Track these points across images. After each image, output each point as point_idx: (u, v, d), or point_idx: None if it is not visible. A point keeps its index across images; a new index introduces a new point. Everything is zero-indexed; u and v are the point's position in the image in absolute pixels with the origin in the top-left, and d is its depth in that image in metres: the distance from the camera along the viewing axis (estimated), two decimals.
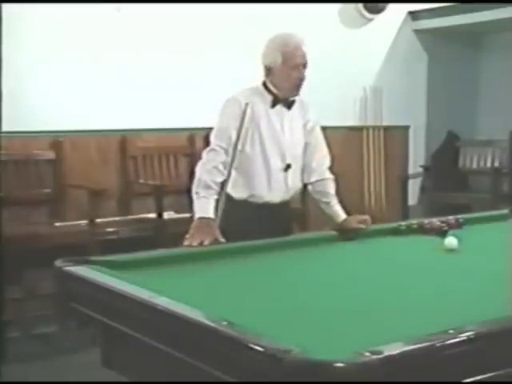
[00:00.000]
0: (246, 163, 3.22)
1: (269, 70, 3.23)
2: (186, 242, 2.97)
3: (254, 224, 3.17)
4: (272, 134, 3.23)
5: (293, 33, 3.26)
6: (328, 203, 3.32)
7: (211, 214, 3.08)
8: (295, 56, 3.18)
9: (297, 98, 3.31)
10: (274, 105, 3.25)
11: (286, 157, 3.25)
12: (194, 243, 2.93)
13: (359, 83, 6.42)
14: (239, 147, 3.18)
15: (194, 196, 3.14)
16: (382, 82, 6.55)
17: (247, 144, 3.20)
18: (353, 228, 3.20)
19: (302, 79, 3.22)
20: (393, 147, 6.67)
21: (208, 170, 3.15)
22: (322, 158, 3.38)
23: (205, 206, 3.09)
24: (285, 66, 3.18)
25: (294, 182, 3.30)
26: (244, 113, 3.16)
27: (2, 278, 3.96)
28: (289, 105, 3.27)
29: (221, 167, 3.16)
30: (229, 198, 3.22)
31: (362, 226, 3.22)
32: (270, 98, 3.24)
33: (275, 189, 3.24)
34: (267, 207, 3.25)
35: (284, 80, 3.21)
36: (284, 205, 3.33)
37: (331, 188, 3.36)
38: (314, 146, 3.36)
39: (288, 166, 3.24)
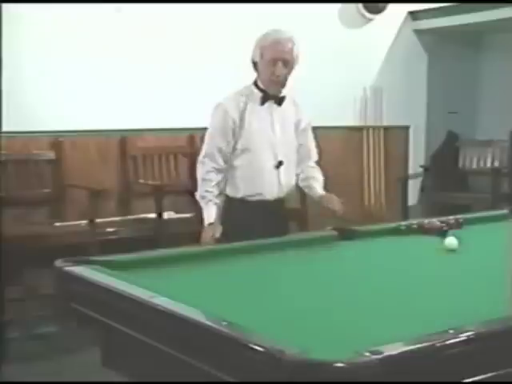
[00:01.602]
0: (238, 162, 3.25)
1: (254, 66, 3.27)
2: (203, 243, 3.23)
3: (250, 222, 3.21)
4: (262, 132, 3.26)
5: (279, 29, 3.26)
6: (307, 183, 3.42)
7: (211, 220, 3.28)
8: (272, 51, 3.18)
9: (288, 96, 3.32)
10: (263, 102, 3.26)
11: (278, 154, 3.27)
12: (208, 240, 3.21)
13: (359, 83, 6.43)
14: (231, 148, 3.25)
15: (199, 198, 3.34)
16: (382, 82, 6.55)
17: (238, 143, 3.23)
18: (327, 207, 3.27)
19: (279, 76, 3.20)
20: (393, 147, 6.67)
21: (199, 183, 3.32)
22: (307, 155, 3.45)
23: (205, 214, 3.30)
24: (263, 61, 3.21)
25: (287, 178, 3.32)
26: (242, 112, 3.21)
27: (2, 278, 3.96)
28: (279, 101, 3.28)
29: (210, 175, 3.28)
30: (226, 197, 3.31)
31: (335, 207, 3.24)
32: (259, 95, 3.26)
33: (268, 186, 3.27)
34: (262, 205, 3.27)
35: (264, 75, 3.24)
36: (279, 202, 3.35)
37: (311, 172, 3.43)
38: (303, 147, 3.43)
39: (280, 163, 3.26)
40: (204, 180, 3.29)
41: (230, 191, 3.30)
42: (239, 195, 3.28)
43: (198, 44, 5.44)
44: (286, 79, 3.24)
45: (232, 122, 3.22)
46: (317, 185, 3.40)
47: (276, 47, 3.18)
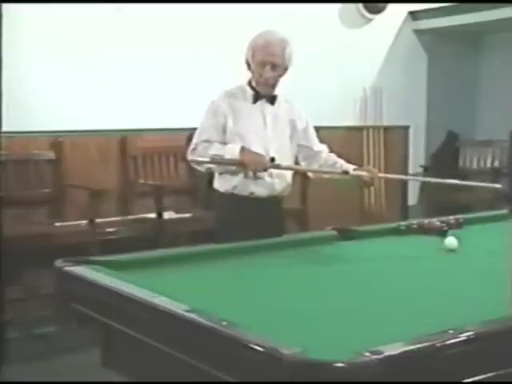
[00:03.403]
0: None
1: (248, 65, 3.30)
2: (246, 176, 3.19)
3: (242, 218, 3.23)
4: (254, 129, 3.28)
5: (272, 30, 3.28)
6: (331, 164, 3.42)
7: (238, 147, 3.17)
8: (261, 53, 3.21)
9: (280, 95, 3.35)
10: (255, 100, 3.30)
11: (270, 150, 3.28)
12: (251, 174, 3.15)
13: (359, 83, 6.43)
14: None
15: (214, 155, 3.18)
16: (381, 82, 6.55)
17: (230, 139, 3.25)
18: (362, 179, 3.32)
19: (268, 79, 3.23)
20: (393, 147, 6.67)
21: (203, 152, 3.22)
22: (313, 154, 3.46)
23: (229, 149, 3.17)
24: (253, 62, 3.24)
25: (280, 175, 3.32)
26: (234, 108, 3.25)
27: (2, 278, 3.96)
28: (271, 100, 3.31)
29: (208, 144, 3.22)
30: (216, 193, 3.32)
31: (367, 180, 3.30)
32: (251, 93, 3.29)
33: (261, 182, 3.26)
34: (256, 201, 3.27)
35: (254, 76, 3.28)
36: (274, 200, 3.35)
37: (327, 158, 3.46)
38: (306, 148, 3.44)
39: (272, 159, 3.27)
40: (205, 149, 3.21)
41: (220, 185, 3.32)
42: (230, 189, 3.29)
43: (198, 44, 5.44)
44: (275, 81, 3.29)
45: (223, 119, 3.25)
46: (344, 163, 3.42)
47: (265, 50, 3.21)
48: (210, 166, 3.25)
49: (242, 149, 3.17)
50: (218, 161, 3.21)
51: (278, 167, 3.23)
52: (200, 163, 3.28)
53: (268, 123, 3.31)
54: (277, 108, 3.33)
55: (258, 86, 3.28)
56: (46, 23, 4.87)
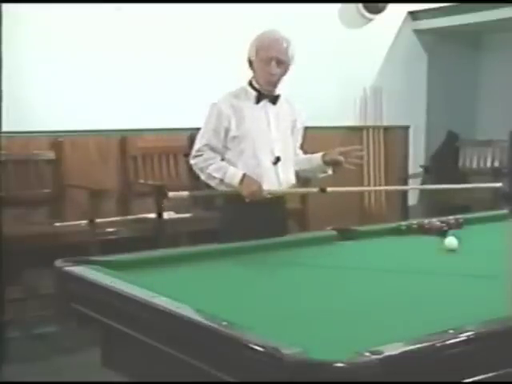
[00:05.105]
0: (234, 159, 3.27)
1: (250, 64, 3.30)
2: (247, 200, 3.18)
3: (248, 220, 3.22)
4: (258, 129, 3.29)
5: (275, 29, 3.30)
6: (305, 160, 3.44)
7: (241, 173, 3.21)
8: (268, 49, 3.22)
9: (282, 95, 3.36)
10: (258, 101, 3.30)
11: (275, 150, 3.29)
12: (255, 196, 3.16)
13: (359, 83, 6.42)
14: (221, 147, 3.28)
15: (215, 178, 3.25)
16: (381, 82, 6.55)
17: (235, 141, 3.26)
18: (334, 160, 3.29)
19: (274, 75, 3.24)
20: (393, 147, 6.66)
21: (203, 168, 3.29)
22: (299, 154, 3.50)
23: (230, 173, 3.22)
24: (258, 59, 3.24)
25: (286, 175, 3.34)
26: (237, 111, 3.25)
27: (2, 278, 3.96)
28: (273, 100, 3.32)
29: (211, 155, 3.28)
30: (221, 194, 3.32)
31: (341, 158, 3.29)
32: (254, 94, 3.30)
33: (266, 183, 3.27)
34: (260, 201, 3.26)
35: (259, 73, 3.27)
36: (278, 201, 3.36)
37: (303, 155, 3.49)
38: (297, 148, 3.47)
39: (277, 159, 3.27)
40: (208, 160, 3.27)
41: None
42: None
43: (198, 44, 5.44)
44: (279, 79, 3.29)
45: (227, 122, 3.25)
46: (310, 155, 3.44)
47: (271, 46, 3.22)
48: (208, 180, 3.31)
49: (243, 177, 3.19)
50: (214, 193, 3.26)
51: (271, 193, 3.26)
52: (196, 196, 3.35)
53: (271, 123, 3.32)
54: (279, 108, 3.34)
55: (263, 84, 3.28)
56: (46, 23, 4.87)
